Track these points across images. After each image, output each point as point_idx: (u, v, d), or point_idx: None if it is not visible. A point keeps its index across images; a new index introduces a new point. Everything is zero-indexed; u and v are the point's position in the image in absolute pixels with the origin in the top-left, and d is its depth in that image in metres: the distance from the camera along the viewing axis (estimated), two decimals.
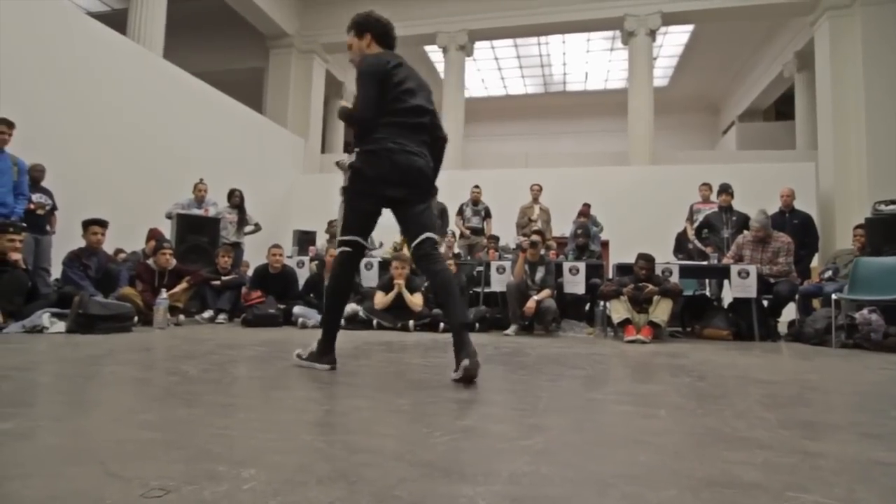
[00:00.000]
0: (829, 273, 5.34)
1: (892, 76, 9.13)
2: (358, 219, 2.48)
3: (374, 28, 2.52)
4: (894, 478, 1.17)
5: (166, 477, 1.06)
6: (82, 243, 4.63)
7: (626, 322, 4.47)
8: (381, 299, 5.10)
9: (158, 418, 1.52)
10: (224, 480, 1.05)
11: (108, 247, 5.43)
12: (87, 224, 4.61)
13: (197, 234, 6.08)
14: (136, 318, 4.21)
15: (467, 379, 2.12)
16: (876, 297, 4.25)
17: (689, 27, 12.41)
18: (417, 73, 2.51)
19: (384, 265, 5.83)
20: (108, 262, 4.80)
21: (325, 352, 2.48)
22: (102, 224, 4.65)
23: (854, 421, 1.83)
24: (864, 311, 4.22)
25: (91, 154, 6.55)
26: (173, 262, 4.97)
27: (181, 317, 4.84)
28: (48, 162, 5.34)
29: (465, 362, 2.11)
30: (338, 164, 2.64)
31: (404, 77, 2.39)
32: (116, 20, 8.80)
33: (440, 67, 13.28)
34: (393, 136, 2.31)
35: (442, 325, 4.93)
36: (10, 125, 4.53)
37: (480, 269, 6.01)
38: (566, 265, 5.36)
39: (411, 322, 4.90)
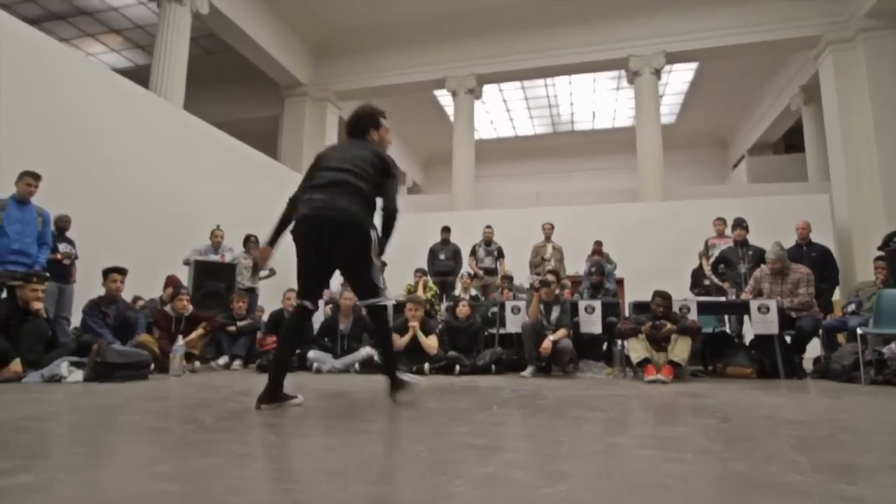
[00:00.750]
0: (853, 306, 5.22)
1: None
2: (299, 273, 2.75)
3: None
4: None
5: None
6: (101, 291, 4.71)
7: (645, 361, 4.38)
8: (395, 342, 5.07)
9: (175, 469, 1.51)
10: None
11: (127, 294, 5.50)
12: (107, 272, 4.70)
13: (213, 280, 6.15)
14: (152, 366, 4.22)
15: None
16: None
17: (694, 65, 12.64)
18: (359, 145, 2.82)
19: (399, 308, 5.83)
20: (126, 310, 4.85)
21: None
22: (122, 272, 4.73)
23: (891, 463, 1.76)
24: (893, 346, 4.10)
25: (113, 203, 6.73)
26: (190, 307, 5.02)
27: (197, 363, 4.85)
28: (72, 212, 5.49)
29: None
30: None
31: (330, 153, 2.78)
32: (140, 75, 9.21)
33: (450, 111, 13.60)
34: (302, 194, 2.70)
35: (458, 367, 4.87)
36: (37, 177, 4.69)
37: (495, 309, 5.97)
38: (581, 304, 5.31)
39: (426, 365, 4.85)
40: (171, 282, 5.79)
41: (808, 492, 1.32)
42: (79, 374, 3.78)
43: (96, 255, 5.51)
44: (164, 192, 7.60)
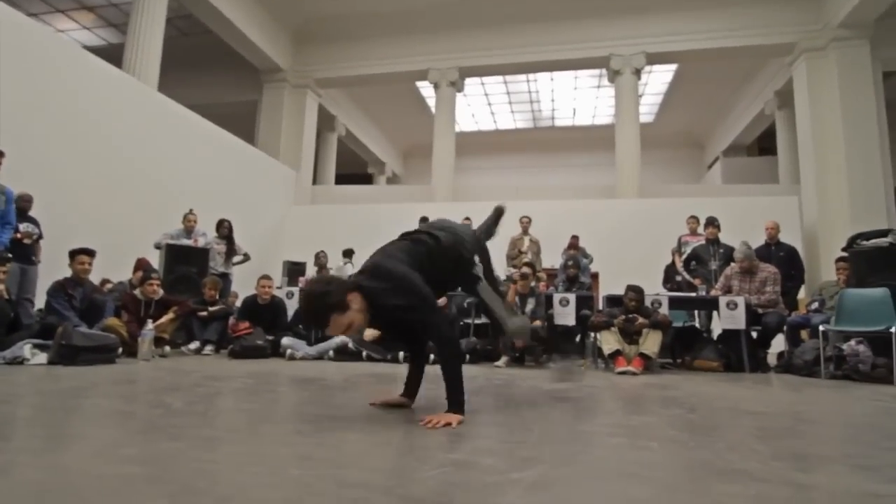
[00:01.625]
0: (816, 305, 5.39)
1: (868, 113, 9.46)
2: None
3: None
4: None
5: None
6: (68, 273, 4.57)
7: (616, 353, 4.46)
8: (370, 331, 5.05)
9: (141, 452, 1.48)
10: None
11: (95, 277, 5.36)
12: (75, 253, 4.56)
13: (185, 265, 6.03)
14: (120, 350, 4.12)
15: None
16: (862, 328, 4.28)
17: (673, 66, 12.81)
18: None
19: None
20: (93, 293, 4.73)
21: None
22: (90, 253, 4.60)
23: (846, 453, 1.83)
24: (852, 343, 4.25)
25: (82, 184, 6.54)
26: (160, 292, 4.91)
27: (167, 348, 4.75)
28: (37, 191, 5.30)
29: None
30: None
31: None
32: (112, 54, 8.92)
33: (431, 103, 13.54)
34: None
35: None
36: (0, 154, 4.52)
37: (470, 300, 5.99)
38: (556, 297, 5.37)
39: (401, 353, 4.84)
40: (141, 265, 5.66)
41: (765, 479, 1.36)
42: (42, 357, 3.68)
43: (64, 236, 5.34)
44: (136, 175, 7.41)
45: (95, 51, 7.97)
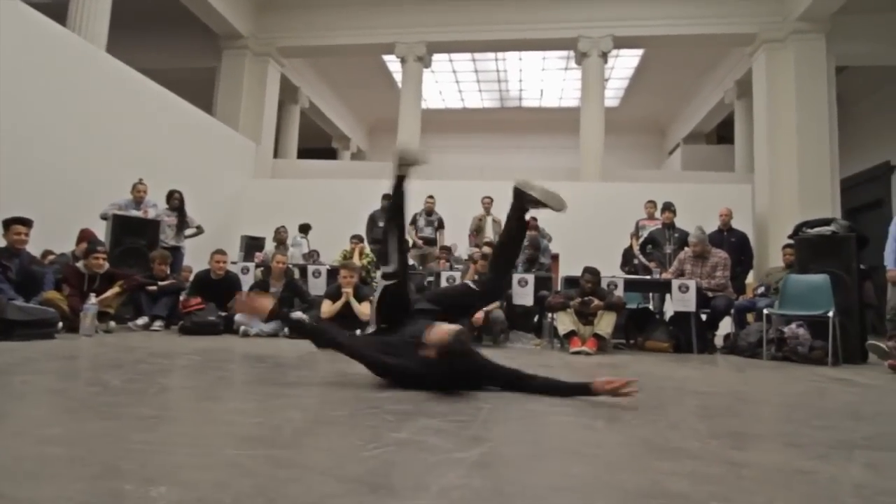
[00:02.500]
0: (762, 289, 5.61)
1: (820, 106, 9.79)
2: None
3: None
4: (813, 485, 1.21)
5: (63, 497, 0.97)
6: (3, 243, 4.30)
7: (571, 334, 4.54)
8: (328, 308, 4.98)
9: (66, 432, 1.41)
10: (128, 500, 0.97)
11: (37, 248, 5.06)
12: (9, 223, 4.28)
13: (135, 237, 5.77)
14: (60, 325, 3.92)
15: None
16: (803, 312, 4.49)
17: (640, 52, 12.92)
18: None
19: (332, 273, 5.71)
20: (31, 264, 4.46)
21: None
22: (26, 223, 4.33)
23: (779, 431, 1.91)
24: (793, 326, 4.45)
25: (22, 150, 6.12)
26: (106, 265, 4.68)
27: (112, 323, 4.55)
28: None
29: None
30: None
31: None
32: (56, 11, 8.33)
33: (398, 77, 13.27)
34: None
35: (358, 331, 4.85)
36: None
37: (431, 279, 5.98)
38: (515, 277, 5.40)
39: (358, 331, 4.79)
40: (86, 236, 5.37)
41: (701, 457, 1.40)
42: None
43: (1, 203, 5.02)
44: (82, 141, 6.99)
45: (37, 6, 7.41)
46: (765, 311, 4.62)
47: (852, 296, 4.55)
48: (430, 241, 7.44)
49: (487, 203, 7.39)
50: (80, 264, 4.70)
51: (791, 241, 5.47)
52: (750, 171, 11.16)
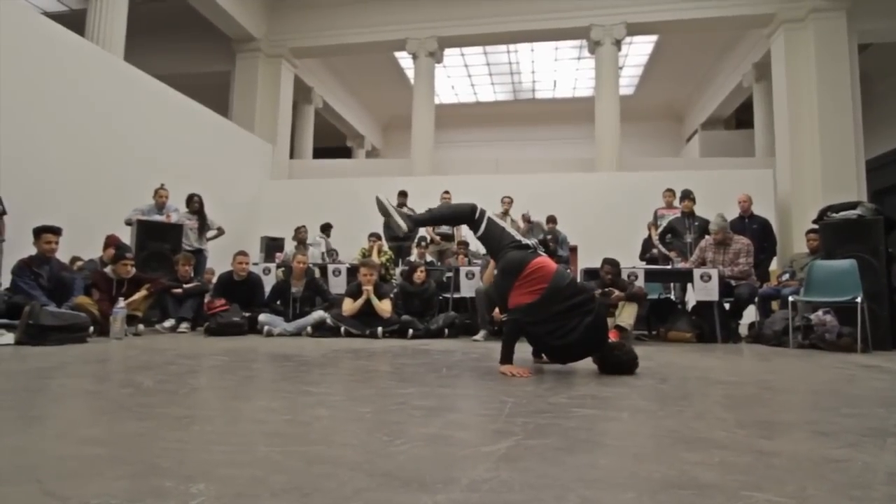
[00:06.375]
0: (787, 276, 5.52)
1: (843, 86, 9.55)
2: None
3: None
4: (844, 474, 1.20)
5: (108, 495, 1.01)
6: (34, 251, 4.43)
7: None
8: (349, 306, 5.03)
9: (106, 433, 1.46)
10: (170, 497, 1.00)
11: (65, 254, 5.21)
12: (39, 232, 4.42)
13: (158, 241, 5.90)
14: (91, 329, 4.04)
15: None
16: (830, 298, 4.40)
17: (654, 37, 12.72)
18: None
19: (352, 271, 5.77)
20: (61, 271, 4.60)
21: None
22: (55, 231, 4.45)
23: (808, 419, 1.88)
24: (819, 313, 4.37)
25: (47, 158, 6.30)
26: (133, 271, 4.80)
27: (140, 326, 4.67)
28: (1, 167, 5.10)
29: None
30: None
31: None
32: (74, 21, 8.51)
33: (410, 73, 13.28)
34: None
35: (411, 331, 4.89)
36: None
37: (450, 274, 6.00)
38: None
39: (380, 329, 4.84)
40: (112, 242, 5.51)
41: (729, 447, 1.40)
42: (9, 337, 3.59)
43: (28, 211, 5.17)
44: (104, 149, 7.15)
45: (56, 17, 7.58)
46: (790, 299, 4.55)
47: (881, 280, 4.45)
48: (448, 237, 7.45)
49: (507, 203, 7.36)
50: (108, 269, 4.82)
51: (815, 227, 5.36)
52: (770, 156, 10.95)
